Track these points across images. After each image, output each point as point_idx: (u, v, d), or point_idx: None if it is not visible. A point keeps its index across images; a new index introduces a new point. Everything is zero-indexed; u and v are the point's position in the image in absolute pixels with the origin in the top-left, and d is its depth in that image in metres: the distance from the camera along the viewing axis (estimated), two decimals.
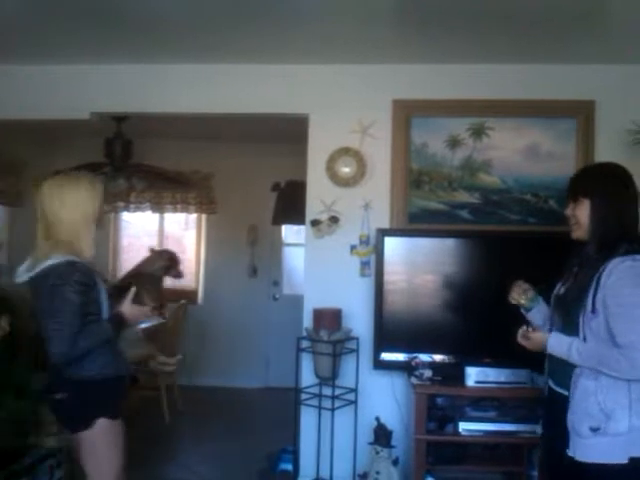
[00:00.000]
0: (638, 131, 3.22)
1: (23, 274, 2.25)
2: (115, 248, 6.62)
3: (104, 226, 2.45)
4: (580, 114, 3.49)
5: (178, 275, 2.97)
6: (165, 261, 2.91)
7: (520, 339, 2.15)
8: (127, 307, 2.36)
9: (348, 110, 3.64)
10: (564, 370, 2.02)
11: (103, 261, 6.38)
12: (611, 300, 1.90)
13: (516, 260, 3.30)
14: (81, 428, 2.28)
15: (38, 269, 2.20)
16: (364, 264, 3.63)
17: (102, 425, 2.28)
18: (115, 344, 2.39)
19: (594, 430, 1.93)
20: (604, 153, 3.47)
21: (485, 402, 3.20)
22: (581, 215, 2.06)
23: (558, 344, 2.03)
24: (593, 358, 1.93)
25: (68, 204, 2.26)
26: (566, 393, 2.02)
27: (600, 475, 1.93)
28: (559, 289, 2.17)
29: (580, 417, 1.95)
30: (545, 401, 2.22)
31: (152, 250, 3.03)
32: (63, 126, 5.02)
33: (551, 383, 2.16)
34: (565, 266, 2.20)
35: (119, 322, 2.34)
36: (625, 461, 1.90)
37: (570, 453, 1.97)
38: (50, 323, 2.16)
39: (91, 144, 5.31)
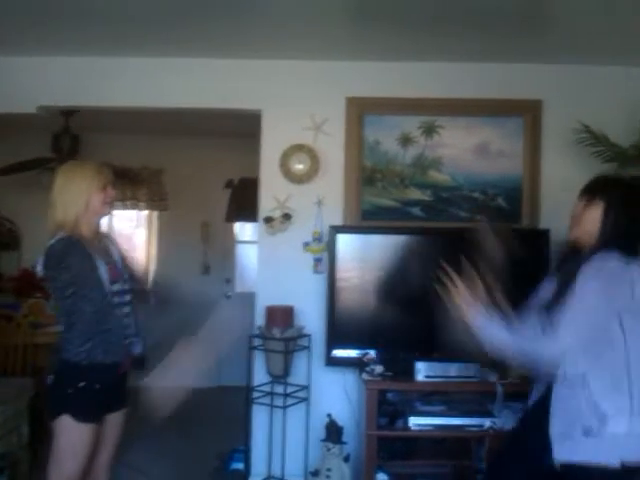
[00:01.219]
0: (583, 130, 3.31)
1: (38, 265, 2.31)
2: None
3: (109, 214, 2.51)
4: (528, 113, 3.57)
5: None
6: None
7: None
8: None
9: (301, 107, 3.63)
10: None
11: None
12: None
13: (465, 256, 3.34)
14: (49, 418, 2.30)
15: (42, 256, 2.28)
16: (317, 261, 3.62)
17: (64, 423, 2.26)
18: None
19: (586, 432, 1.89)
20: (551, 152, 3.57)
21: (435, 397, 3.24)
22: (587, 218, 2.05)
23: (479, 314, 2.00)
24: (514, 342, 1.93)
25: (64, 186, 2.34)
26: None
27: (585, 477, 1.91)
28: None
29: (559, 422, 1.94)
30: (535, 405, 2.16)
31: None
32: (9, 120, 4.84)
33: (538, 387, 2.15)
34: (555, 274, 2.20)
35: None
36: (615, 463, 1.86)
37: (555, 455, 1.94)
38: (67, 299, 2.24)
39: (38, 139, 5.15)
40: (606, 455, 1.87)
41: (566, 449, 1.92)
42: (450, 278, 2.13)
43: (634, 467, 1.88)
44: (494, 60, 3.53)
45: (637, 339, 1.93)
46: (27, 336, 4.32)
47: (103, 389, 2.33)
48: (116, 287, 2.38)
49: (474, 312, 2.02)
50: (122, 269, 2.48)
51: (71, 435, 2.26)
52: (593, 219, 2.04)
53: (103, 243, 2.47)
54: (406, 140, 3.63)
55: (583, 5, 2.77)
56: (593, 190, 2.08)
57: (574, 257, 2.07)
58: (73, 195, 2.33)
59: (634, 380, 1.90)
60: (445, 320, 2.18)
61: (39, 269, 2.28)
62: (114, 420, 2.47)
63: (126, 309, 2.43)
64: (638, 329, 1.94)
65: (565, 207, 3.44)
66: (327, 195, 3.63)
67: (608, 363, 1.93)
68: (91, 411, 2.31)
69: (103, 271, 2.32)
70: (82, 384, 2.27)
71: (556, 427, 1.96)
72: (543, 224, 3.51)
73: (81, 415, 2.27)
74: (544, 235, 3.33)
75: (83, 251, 2.28)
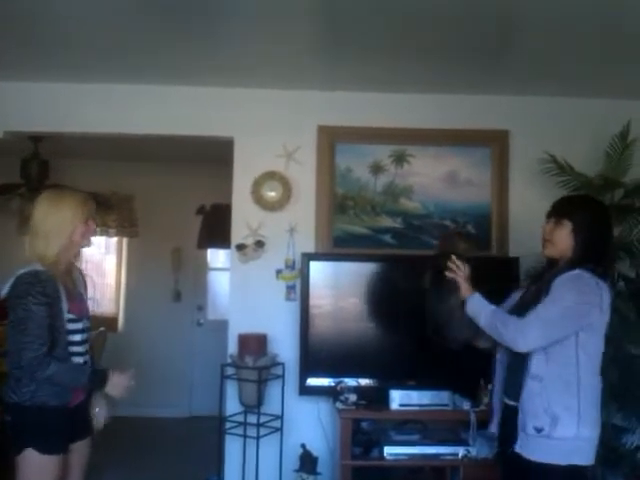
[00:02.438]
0: (549, 160, 3.39)
1: (4, 289, 2.24)
2: None
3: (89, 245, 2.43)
4: (495, 143, 3.65)
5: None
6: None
7: (453, 268, 2.35)
8: (117, 376, 2.34)
9: (273, 134, 3.65)
10: (516, 382, 2.20)
11: None
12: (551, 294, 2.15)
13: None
14: (14, 453, 2.23)
15: (10, 282, 2.22)
16: (290, 288, 3.62)
17: (29, 456, 2.20)
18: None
19: (538, 430, 2.10)
20: (518, 181, 3.64)
21: (409, 425, 3.24)
22: (558, 237, 2.21)
23: (479, 301, 2.27)
24: (491, 322, 2.21)
25: (47, 215, 2.28)
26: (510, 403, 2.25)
27: (541, 474, 2.11)
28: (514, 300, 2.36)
29: (525, 416, 2.13)
30: (503, 418, 2.34)
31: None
32: None
33: (506, 399, 2.30)
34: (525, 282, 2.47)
35: (99, 380, 2.32)
36: (564, 464, 2.09)
37: (517, 449, 2.14)
38: (16, 335, 2.15)
39: (6, 164, 5.07)
40: (556, 456, 2.09)
41: (523, 443, 2.14)
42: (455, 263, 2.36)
43: (582, 469, 2.12)
44: (462, 92, 3.61)
45: (588, 355, 2.17)
46: None
47: (61, 423, 2.25)
48: (78, 325, 2.32)
49: (470, 291, 2.32)
50: (87, 306, 2.44)
51: (36, 468, 2.21)
52: (563, 238, 2.20)
53: (74, 275, 2.42)
54: (377, 168, 3.67)
55: (548, 39, 2.87)
56: (559, 211, 2.24)
57: (550, 270, 2.27)
58: (57, 226, 2.26)
59: (581, 391, 2.14)
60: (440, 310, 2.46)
61: (3, 293, 2.22)
62: (79, 449, 2.39)
63: (85, 346, 2.37)
64: (590, 347, 2.17)
65: (533, 235, 3.53)
66: (299, 222, 3.64)
67: (563, 371, 2.14)
68: (55, 443, 2.24)
69: (65, 312, 2.25)
70: (36, 422, 2.22)
71: (520, 420, 2.15)
72: (512, 251, 3.57)
73: (45, 447, 2.20)
74: (514, 263, 3.38)
75: (51, 291, 2.20)
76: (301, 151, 3.65)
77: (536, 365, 2.14)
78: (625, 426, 3.30)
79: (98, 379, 2.31)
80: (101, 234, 6.15)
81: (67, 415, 2.27)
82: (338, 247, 3.64)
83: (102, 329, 5.25)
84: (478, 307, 2.28)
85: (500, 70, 3.31)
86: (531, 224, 3.52)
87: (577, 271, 2.15)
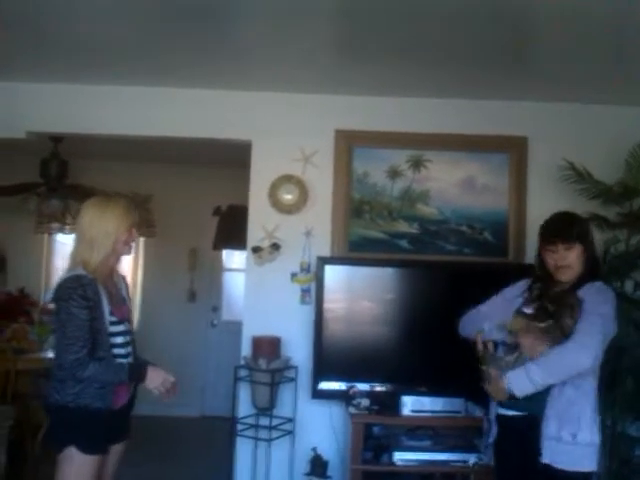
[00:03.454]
0: (567, 167, 3.36)
1: (50, 293, 2.37)
2: (48, 270, 6.38)
3: (128, 251, 2.48)
4: (513, 149, 3.63)
5: None
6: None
7: (486, 386, 2.31)
8: (155, 370, 2.39)
9: (291, 138, 3.66)
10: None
11: (35, 282, 6.14)
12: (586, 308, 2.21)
13: (452, 289, 3.37)
14: (56, 451, 2.30)
15: (54, 286, 2.32)
16: (304, 292, 3.62)
17: (69, 455, 2.25)
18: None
19: (574, 436, 2.17)
20: (536, 188, 3.61)
21: (420, 431, 3.22)
22: (573, 259, 2.30)
23: (517, 378, 2.18)
24: (551, 361, 2.16)
25: (93, 222, 2.33)
26: (521, 414, 2.25)
27: None
28: (522, 308, 2.32)
29: (562, 423, 2.17)
30: (500, 431, 2.35)
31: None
32: None
33: (503, 410, 2.31)
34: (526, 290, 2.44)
35: (138, 375, 2.35)
36: (588, 470, 2.20)
37: (546, 460, 2.18)
38: (59, 337, 2.26)
39: (26, 163, 5.14)
40: (586, 462, 2.19)
41: (553, 452, 2.18)
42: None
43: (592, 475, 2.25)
44: (481, 97, 3.60)
45: (599, 362, 2.24)
46: (9, 362, 4.25)
47: (103, 425, 2.31)
48: (120, 327, 2.39)
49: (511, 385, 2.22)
50: (128, 309, 2.51)
51: (76, 467, 2.27)
52: (577, 260, 2.32)
53: (116, 282, 2.48)
54: (394, 173, 3.67)
55: (567, 46, 2.85)
56: (569, 237, 2.32)
57: (556, 285, 2.34)
58: (102, 233, 2.32)
59: (596, 397, 2.27)
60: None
61: (48, 297, 2.35)
62: (116, 450, 2.46)
63: (127, 349, 2.42)
64: (602, 354, 2.24)
65: None
66: (315, 226, 3.64)
67: (590, 377, 2.25)
68: (96, 443, 2.30)
69: (107, 314, 2.32)
70: (79, 423, 2.27)
71: (549, 428, 2.19)
72: (529, 259, 3.53)
73: (87, 447, 2.26)
74: (530, 270, 3.35)
75: (92, 294, 2.27)
76: (318, 155, 3.65)
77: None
78: (639, 437, 3.26)
79: (137, 373, 2.35)
80: None
81: (110, 417, 2.31)
82: (354, 251, 3.64)
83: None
84: (520, 378, 2.19)
85: (519, 76, 3.29)
86: None
87: (598, 283, 2.31)
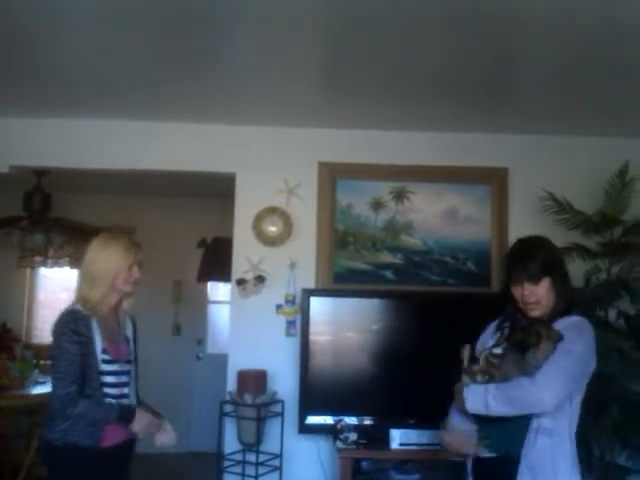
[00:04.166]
0: (548, 198, 3.42)
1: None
2: (31, 304, 6.30)
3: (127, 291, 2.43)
4: (494, 181, 3.69)
5: None
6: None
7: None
8: (142, 414, 2.33)
9: (275, 170, 3.69)
10: (505, 433, 2.03)
11: (18, 316, 6.05)
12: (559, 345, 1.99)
13: (437, 320, 3.38)
14: None
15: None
16: (290, 324, 3.61)
17: None
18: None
19: None
20: (517, 218, 3.66)
21: (409, 465, 3.19)
22: (543, 294, 2.06)
23: (475, 394, 2.05)
24: (502, 395, 1.98)
25: (94, 259, 2.36)
26: (494, 455, 2.04)
27: None
28: (492, 350, 2.12)
29: (535, 474, 1.98)
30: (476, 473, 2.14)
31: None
32: None
33: (483, 451, 2.08)
34: (496, 327, 2.22)
35: (127, 417, 2.28)
36: None
37: None
38: (51, 372, 2.26)
39: (9, 197, 5.11)
40: None
41: None
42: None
43: None
44: (462, 130, 3.66)
45: (579, 402, 2.08)
46: None
47: (92, 464, 2.24)
48: (113, 367, 2.33)
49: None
50: (130, 349, 2.46)
51: None
52: (546, 295, 2.07)
53: (121, 321, 2.45)
54: (377, 204, 3.70)
55: (548, 79, 2.91)
56: (535, 274, 2.06)
57: (526, 320, 2.09)
58: (101, 270, 2.33)
59: (575, 439, 2.07)
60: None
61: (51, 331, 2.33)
62: None
63: (121, 389, 2.36)
64: (582, 393, 2.09)
65: None
66: (300, 258, 3.65)
67: (568, 421, 2.04)
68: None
69: (99, 352, 2.28)
70: (66, 463, 2.24)
71: (524, 476, 1.99)
72: None
73: None
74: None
75: (84, 330, 2.26)
76: (302, 187, 3.68)
77: (545, 418, 1.99)
78: (629, 466, 3.26)
79: (126, 415, 2.29)
80: None
81: (101, 456, 2.25)
82: (339, 283, 3.64)
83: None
84: (477, 393, 2.04)
85: (499, 110, 3.36)
86: None
87: (574, 317, 2.08)
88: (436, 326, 3.33)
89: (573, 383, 2.00)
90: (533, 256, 2.09)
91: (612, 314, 3.32)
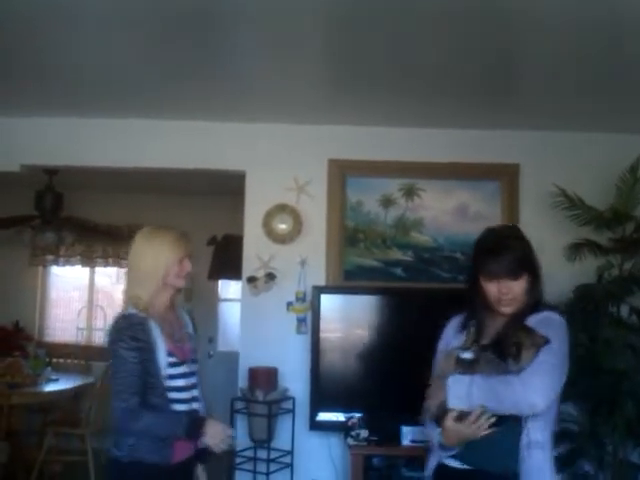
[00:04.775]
0: (559, 194, 3.40)
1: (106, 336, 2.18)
2: (43, 302, 6.36)
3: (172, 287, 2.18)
4: (505, 177, 3.67)
5: None
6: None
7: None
8: (213, 425, 2.08)
9: (284, 168, 3.69)
10: (479, 444, 1.84)
11: (30, 315, 6.11)
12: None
13: (448, 316, 3.36)
14: None
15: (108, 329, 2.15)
16: (300, 321, 3.62)
17: None
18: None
19: None
20: (528, 215, 3.64)
21: (421, 461, 3.18)
22: (520, 290, 1.90)
23: (458, 384, 1.86)
24: (488, 389, 1.81)
25: (141, 257, 2.14)
26: (468, 468, 1.87)
27: None
28: (459, 355, 1.94)
29: None
30: None
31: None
32: None
33: (454, 462, 1.92)
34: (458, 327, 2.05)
35: (196, 431, 2.05)
36: None
37: None
38: (112, 384, 2.06)
39: (21, 196, 5.16)
40: None
41: None
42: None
43: None
44: (472, 126, 3.64)
45: (557, 409, 1.95)
46: (3, 397, 4.20)
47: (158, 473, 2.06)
48: (181, 369, 2.12)
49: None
50: (194, 347, 2.25)
51: None
52: (523, 290, 1.92)
53: (179, 317, 2.25)
54: (387, 202, 3.70)
55: (558, 74, 2.89)
56: (515, 271, 1.89)
57: (495, 318, 1.96)
58: (149, 267, 2.11)
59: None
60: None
61: (105, 340, 2.19)
62: None
63: (191, 393, 2.16)
64: (557, 399, 1.93)
65: (543, 268, 3.54)
66: (310, 255, 3.65)
67: (553, 428, 1.93)
68: None
69: (163, 355, 2.07)
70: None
71: None
72: None
73: None
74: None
75: (143, 335, 2.05)
76: (312, 184, 3.68)
77: (534, 430, 1.83)
78: None
79: (195, 429, 2.05)
80: (113, 265, 6.21)
81: (169, 473, 2.08)
82: (349, 280, 3.64)
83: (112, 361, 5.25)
84: (461, 383, 1.86)
85: (510, 105, 3.34)
86: (541, 258, 3.55)
87: (546, 312, 1.92)
88: (446, 322, 3.32)
89: (560, 383, 1.84)
90: (511, 249, 1.91)
91: (624, 310, 3.29)
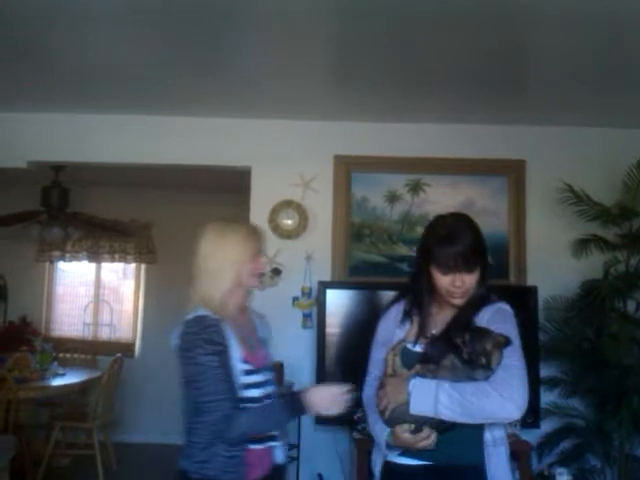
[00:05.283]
0: (566, 189, 3.39)
1: (174, 339, 1.89)
2: (49, 297, 6.39)
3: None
4: (511, 172, 3.66)
5: None
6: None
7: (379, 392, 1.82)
8: (315, 390, 1.87)
9: (290, 164, 3.70)
10: (439, 440, 1.72)
11: (37, 310, 6.14)
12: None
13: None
14: None
15: (177, 330, 1.89)
16: (306, 316, 3.63)
17: None
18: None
19: None
20: (535, 210, 3.64)
21: None
22: (473, 282, 1.79)
23: (424, 387, 1.71)
24: (459, 400, 1.67)
25: (211, 254, 1.94)
26: (420, 463, 1.75)
27: None
28: (408, 345, 1.84)
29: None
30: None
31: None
32: None
33: (405, 459, 1.78)
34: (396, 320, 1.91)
35: (296, 408, 1.84)
36: None
37: None
38: (192, 395, 1.84)
39: (27, 192, 5.17)
40: None
41: None
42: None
43: None
44: (479, 122, 3.64)
45: None
46: (11, 391, 4.23)
47: None
48: (257, 378, 1.90)
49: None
50: (268, 353, 2.04)
51: None
52: (475, 282, 1.81)
53: (252, 320, 2.05)
54: (393, 197, 3.70)
55: (564, 70, 2.89)
56: (470, 264, 1.77)
57: (442, 308, 1.86)
58: (220, 265, 1.92)
59: None
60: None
61: (173, 344, 1.89)
62: None
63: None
64: None
65: (550, 264, 3.54)
66: (316, 251, 3.66)
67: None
68: None
69: (238, 362, 1.86)
70: None
71: None
72: (530, 280, 3.55)
73: None
74: (532, 292, 3.36)
75: (218, 337, 1.83)
76: (317, 180, 3.69)
77: (497, 427, 1.78)
78: None
79: (295, 406, 1.84)
80: (119, 260, 6.23)
81: None
82: (354, 275, 3.65)
83: (119, 355, 5.28)
84: (426, 388, 1.71)
85: (516, 101, 3.34)
86: (548, 252, 3.55)
87: (498, 304, 1.83)
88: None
89: (527, 384, 1.72)
90: (469, 241, 1.78)
91: (631, 305, 3.29)
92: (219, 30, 2.55)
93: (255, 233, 2.02)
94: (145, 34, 2.62)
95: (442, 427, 1.71)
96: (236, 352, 1.86)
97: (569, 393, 3.35)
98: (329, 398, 1.83)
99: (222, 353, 1.82)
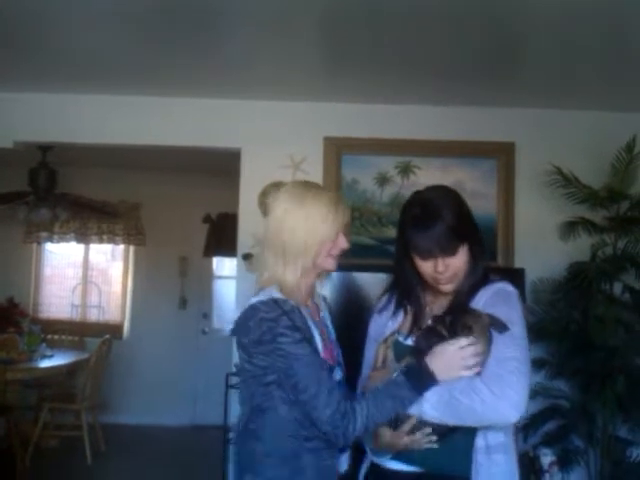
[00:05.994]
0: (554, 172, 3.40)
1: (232, 323, 1.60)
2: (37, 279, 6.36)
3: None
4: (501, 155, 3.66)
5: None
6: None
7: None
8: (437, 355, 1.50)
9: (280, 145, 3.68)
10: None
11: (25, 291, 6.12)
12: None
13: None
14: None
15: (240, 315, 1.57)
16: None
17: None
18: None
19: None
20: (524, 193, 3.64)
21: None
22: (460, 264, 1.59)
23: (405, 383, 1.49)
24: (447, 400, 1.47)
25: (292, 225, 1.58)
26: (411, 469, 1.56)
27: None
28: (402, 339, 1.66)
29: None
30: None
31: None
32: None
33: (394, 463, 1.59)
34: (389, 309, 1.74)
35: (423, 378, 1.48)
36: None
37: None
38: (291, 396, 1.51)
39: (15, 173, 5.12)
40: None
41: None
42: None
43: None
44: (468, 104, 3.63)
45: None
46: None
47: None
48: (335, 377, 1.59)
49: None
50: (337, 347, 1.72)
51: None
52: (464, 264, 1.60)
53: (318, 305, 1.73)
54: (383, 180, 3.69)
55: (554, 53, 2.89)
56: (453, 244, 1.56)
57: (435, 296, 1.68)
58: (296, 242, 1.57)
59: None
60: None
61: (229, 331, 1.63)
62: None
63: None
64: None
65: (538, 246, 3.56)
66: None
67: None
68: None
69: (319, 354, 1.55)
70: None
71: None
72: (517, 262, 3.58)
73: None
74: (519, 274, 3.38)
75: (301, 323, 1.53)
76: (307, 162, 3.67)
77: (494, 432, 1.53)
78: (630, 439, 3.29)
79: (421, 376, 1.48)
80: (108, 242, 6.20)
81: None
82: (344, 258, 3.63)
83: (107, 336, 5.28)
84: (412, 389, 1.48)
85: (506, 83, 3.33)
86: (537, 235, 3.57)
87: (498, 284, 1.63)
88: None
89: (530, 379, 1.50)
90: (445, 221, 1.54)
91: (617, 288, 3.32)
92: (209, 11, 2.51)
93: (339, 202, 1.62)
94: (134, 15, 2.57)
95: (423, 426, 1.50)
96: (319, 345, 1.56)
97: (555, 374, 3.38)
98: (460, 357, 1.48)
99: (311, 341, 1.52)
